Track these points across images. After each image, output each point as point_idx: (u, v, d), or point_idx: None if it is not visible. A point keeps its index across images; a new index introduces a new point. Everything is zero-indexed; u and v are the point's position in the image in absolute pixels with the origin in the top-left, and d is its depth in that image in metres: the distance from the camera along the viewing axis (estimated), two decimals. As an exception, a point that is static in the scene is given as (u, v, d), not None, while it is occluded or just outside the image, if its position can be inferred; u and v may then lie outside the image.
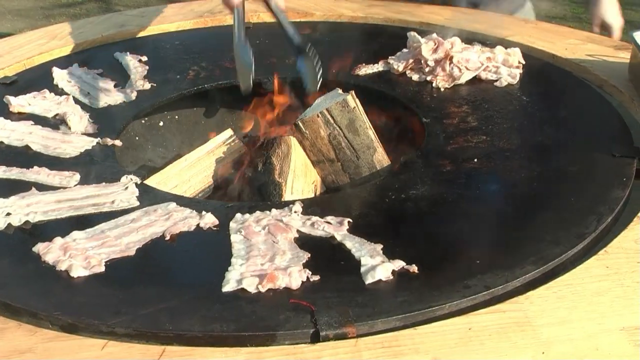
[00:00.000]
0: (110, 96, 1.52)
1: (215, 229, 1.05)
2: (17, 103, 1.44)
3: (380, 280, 0.91)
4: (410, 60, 1.61)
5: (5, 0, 6.14)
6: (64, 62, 1.71)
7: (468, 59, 1.57)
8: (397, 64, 1.62)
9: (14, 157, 1.27)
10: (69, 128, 1.36)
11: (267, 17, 2.00)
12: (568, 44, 1.73)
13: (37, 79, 1.62)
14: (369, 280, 0.91)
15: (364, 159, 1.29)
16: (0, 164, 1.23)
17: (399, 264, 0.94)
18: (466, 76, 1.54)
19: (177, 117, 1.69)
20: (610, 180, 1.15)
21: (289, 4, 2.10)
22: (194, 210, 1.09)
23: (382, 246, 0.98)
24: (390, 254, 0.96)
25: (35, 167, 1.21)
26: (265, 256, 0.96)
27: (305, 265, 0.94)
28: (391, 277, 0.92)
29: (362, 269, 0.93)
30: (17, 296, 0.90)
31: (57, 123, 1.39)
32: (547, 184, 1.16)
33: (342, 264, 0.96)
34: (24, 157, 1.27)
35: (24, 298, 0.90)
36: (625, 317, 0.85)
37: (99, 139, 1.34)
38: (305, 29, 1.90)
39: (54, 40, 1.84)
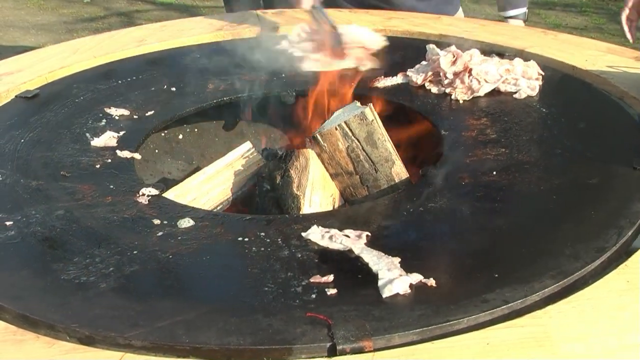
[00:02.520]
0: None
1: (232, 241, 1.06)
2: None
3: (397, 294, 0.90)
4: (430, 73, 1.61)
5: (29, 15, 6.23)
6: (85, 76, 1.73)
7: (487, 71, 1.56)
8: (416, 77, 1.62)
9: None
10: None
11: (287, 30, 2.02)
12: (588, 55, 1.72)
13: (58, 93, 1.64)
14: (386, 293, 0.91)
15: (382, 171, 1.29)
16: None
17: (416, 278, 0.93)
18: (485, 88, 1.54)
19: (196, 129, 1.70)
20: (630, 193, 1.14)
21: (307, 16, 2.12)
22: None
23: (399, 259, 0.97)
24: (408, 268, 0.95)
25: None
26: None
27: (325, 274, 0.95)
28: (409, 291, 0.91)
29: (380, 283, 0.93)
30: (35, 308, 0.91)
31: (81, 130, 1.41)
32: (566, 197, 1.15)
33: (359, 277, 0.95)
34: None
35: (42, 310, 0.90)
36: (646, 332, 0.84)
37: (118, 151, 1.35)
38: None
39: (75, 55, 1.86)
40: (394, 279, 0.92)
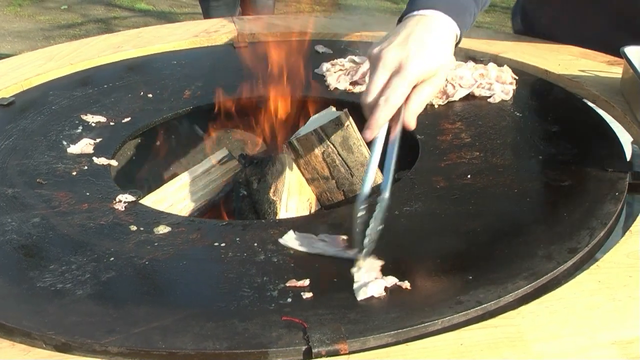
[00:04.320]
0: None
1: (208, 246, 1.06)
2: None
3: (372, 297, 0.91)
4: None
5: (5, 22, 6.19)
6: (61, 83, 1.73)
7: (462, 76, 1.58)
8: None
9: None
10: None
11: (263, 37, 2.03)
12: (561, 60, 1.74)
13: (34, 100, 1.63)
14: (360, 296, 0.91)
15: (358, 176, 1.29)
16: None
17: (391, 281, 0.94)
18: (460, 93, 1.55)
19: (173, 136, 1.70)
20: (602, 194, 1.16)
21: (283, 22, 2.13)
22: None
23: (381, 263, 0.98)
24: (383, 271, 0.96)
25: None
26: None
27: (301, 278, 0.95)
28: (383, 294, 0.92)
29: (355, 285, 0.94)
30: (11, 316, 0.90)
31: (57, 138, 1.41)
32: (539, 199, 1.17)
33: (335, 281, 0.96)
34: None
35: (17, 318, 0.90)
36: (617, 331, 0.85)
37: (94, 158, 1.35)
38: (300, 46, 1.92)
39: (51, 62, 1.85)
40: (369, 282, 0.93)
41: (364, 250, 0.98)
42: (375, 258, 1.00)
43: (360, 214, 0.98)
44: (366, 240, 0.97)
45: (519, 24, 2.07)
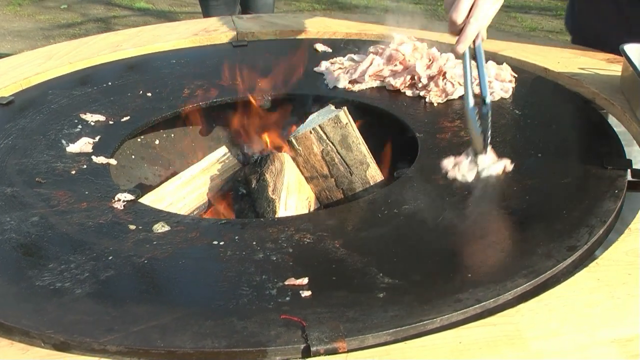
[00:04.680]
0: None
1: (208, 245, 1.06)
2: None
3: (371, 294, 0.91)
4: (408, 77, 1.62)
5: (5, 22, 6.19)
6: (60, 82, 1.73)
7: (461, 74, 1.57)
8: (395, 81, 1.62)
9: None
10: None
11: (262, 35, 2.03)
12: (560, 58, 1.74)
13: (33, 99, 1.63)
14: (484, 174, 1.20)
15: (357, 174, 1.29)
16: None
17: (504, 162, 1.21)
18: (459, 91, 1.55)
19: (172, 135, 1.70)
20: (602, 192, 1.15)
21: (282, 21, 2.13)
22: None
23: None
24: (383, 269, 0.97)
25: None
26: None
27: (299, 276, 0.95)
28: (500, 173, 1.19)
29: (479, 168, 1.21)
30: (9, 314, 0.91)
31: (57, 136, 1.41)
32: (539, 196, 1.16)
33: (333, 279, 0.96)
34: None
35: (16, 317, 0.90)
36: (616, 329, 0.85)
37: (93, 157, 1.35)
38: (300, 45, 1.92)
39: (50, 61, 1.85)
40: (492, 164, 1.21)
41: (487, 144, 1.21)
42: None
43: (474, 118, 1.18)
44: (489, 140, 1.20)
45: (569, 16, 2.03)
